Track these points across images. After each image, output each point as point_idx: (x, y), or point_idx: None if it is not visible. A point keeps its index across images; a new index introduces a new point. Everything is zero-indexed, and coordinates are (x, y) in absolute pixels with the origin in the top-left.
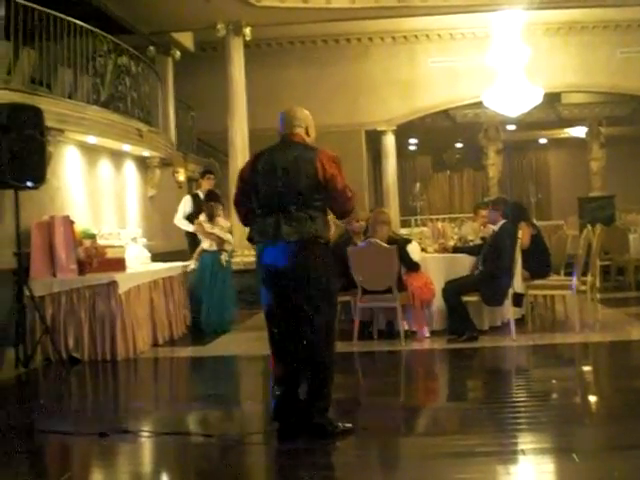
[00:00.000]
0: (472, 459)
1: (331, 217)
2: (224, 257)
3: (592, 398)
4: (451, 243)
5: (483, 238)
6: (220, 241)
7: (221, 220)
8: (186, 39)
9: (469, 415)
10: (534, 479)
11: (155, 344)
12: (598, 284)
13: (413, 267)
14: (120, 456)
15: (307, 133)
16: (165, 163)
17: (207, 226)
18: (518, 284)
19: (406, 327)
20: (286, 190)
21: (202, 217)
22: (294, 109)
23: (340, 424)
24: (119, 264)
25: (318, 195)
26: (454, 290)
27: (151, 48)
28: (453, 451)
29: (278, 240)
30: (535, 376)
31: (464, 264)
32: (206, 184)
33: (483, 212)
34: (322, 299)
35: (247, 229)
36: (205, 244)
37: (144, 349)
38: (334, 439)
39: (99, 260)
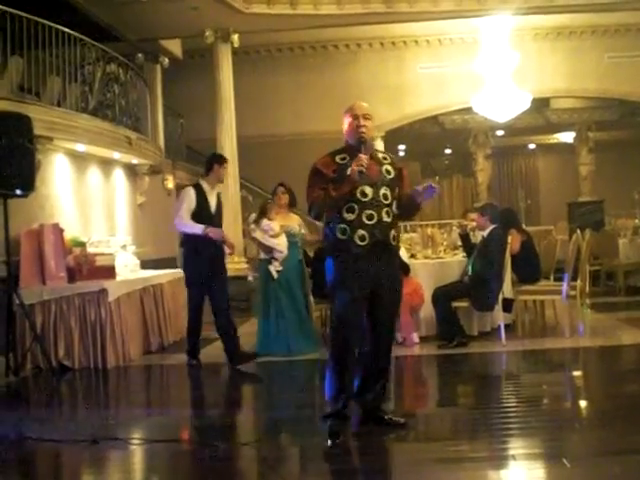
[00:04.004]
0: (463, 465)
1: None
2: (273, 267)
3: (582, 403)
4: (441, 249)
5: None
6: (266, 248)
7: (266, 222)
8: (174, 46)
9: (459, 421)
10: None
11: (146, 352)
12: (588, 289)
13: (405, 268)
14: (111, 464)
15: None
16: (154, 170)
17: (251, 228)
18: (508, 289)
19: (397, 334)
20: None
21: (252, 217)
22: None
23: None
24: (109, 272)
25: None
26: (444, 296)
27: (139, 55)
28: (444, 457)
29: None
30: (525, 381)
31: (453, 270)
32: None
33: (472, 216)
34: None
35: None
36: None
37: (135, 357)
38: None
39: (89, 268)
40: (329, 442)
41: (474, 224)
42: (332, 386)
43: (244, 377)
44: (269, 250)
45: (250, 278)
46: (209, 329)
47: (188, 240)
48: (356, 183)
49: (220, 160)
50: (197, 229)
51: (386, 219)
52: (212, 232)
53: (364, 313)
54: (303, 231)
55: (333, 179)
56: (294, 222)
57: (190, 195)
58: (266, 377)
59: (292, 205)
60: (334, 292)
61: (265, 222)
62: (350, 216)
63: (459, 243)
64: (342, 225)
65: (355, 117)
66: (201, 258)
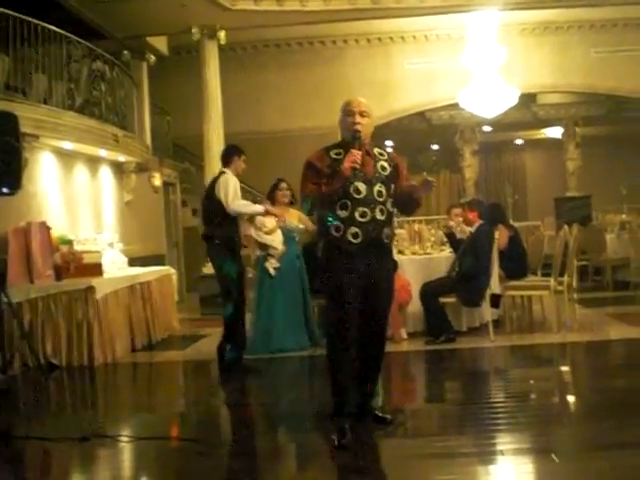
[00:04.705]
0: (451, 460)
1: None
2: (270, 264)
3: (570, 398)
4: (428, 244)
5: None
6: (261, 245)
7: (259, 219)
8: (161, 43)
9: (447, 416)
10: None
11: (133, 349)
12: (575, 284)
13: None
14: (100, 461)
15: None
16: (141, 168)
17: (245, 225)
18: (495, 285)
19: None
20: None
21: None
22: None
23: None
24: (96, 269)
25: None
26: (431, 292)
27: (125, 53)
28: (432, 452)
29: None
30: (513, 377)
31: (441, 265)
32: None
33: (456, 211)
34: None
35: None
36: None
37: (122, 354)
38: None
39: (76, 266)
40: (336, 441)
41: (460, 219)
42: (333, 384)
43: (234, 374)
44: (265, 247)
45: (250, 275)
46: (199, 325)
47: (225, 232)
48: (348, 180)
49: (239, 151)
50: (258, 208)
51: (380, 217)
52: (273, 209)
53: (357, 310)
54: (301, 226)
55: (327, 174)
56: (293, 218)
57: (233, 178)
58: (257, 373)
59: (292, 202)
60: (326, 289)
61: (258, 219)
62: (343, 213)
63: (446, 239)
64: (335, 222)
65: (351, 113)
66: (237, 253)
